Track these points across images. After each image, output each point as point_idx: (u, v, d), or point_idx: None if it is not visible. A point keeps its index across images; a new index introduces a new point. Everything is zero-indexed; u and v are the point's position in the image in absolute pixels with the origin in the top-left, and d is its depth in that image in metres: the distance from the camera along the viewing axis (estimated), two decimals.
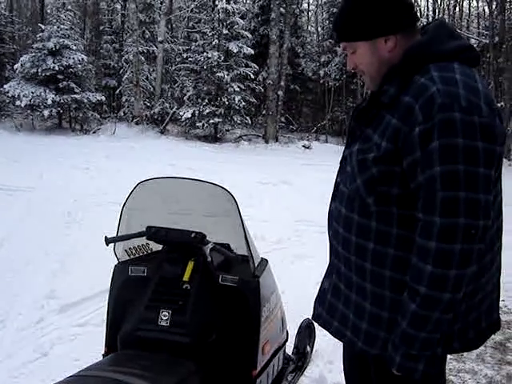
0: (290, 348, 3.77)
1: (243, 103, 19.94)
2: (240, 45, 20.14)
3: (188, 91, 20.65)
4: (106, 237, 2.88)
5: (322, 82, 23.90)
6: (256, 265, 2.92)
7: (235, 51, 19.95)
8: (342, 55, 21.79)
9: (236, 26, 20.49)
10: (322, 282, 2.14)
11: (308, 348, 3.84)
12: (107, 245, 2.90)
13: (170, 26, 25.89)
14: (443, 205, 1.63)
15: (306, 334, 3.88)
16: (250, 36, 21.17)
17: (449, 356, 3.91)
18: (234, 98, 19.64)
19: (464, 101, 1.64)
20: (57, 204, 8.33)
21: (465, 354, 4.09)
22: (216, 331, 2.72)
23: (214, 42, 20.04)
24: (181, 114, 19.95)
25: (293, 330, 3.69)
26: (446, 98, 1.64)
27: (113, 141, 17.72)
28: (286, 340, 3.42)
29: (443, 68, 1.71)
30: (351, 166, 1.87)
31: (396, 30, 1.82)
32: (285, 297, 3.48)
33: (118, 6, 26.99)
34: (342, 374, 2.32)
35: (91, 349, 3.29)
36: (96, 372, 2.31)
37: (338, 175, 2.02)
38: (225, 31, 19.98)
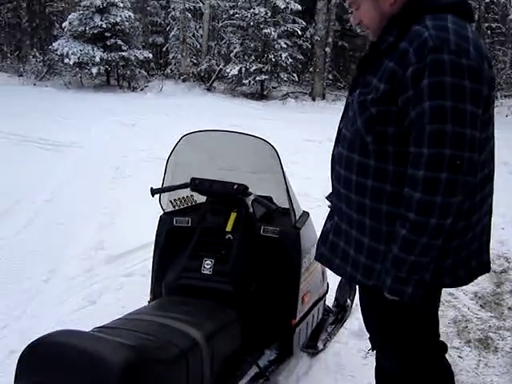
0: (330, 300, 3.83)
1: (290, 60, 19.73)
2: (287, 0, 19.83)
3: (235, 48, 20.51)
4: (151, 188, 2.96)
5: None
6: (297, 217, 2.97)
7: (282, 7, 19.64)
8: None
9: None
10: (325, 224, 2.25)
11: (348, 301, 3.89)
12: (153, 195, 2.98)
13: None
14: (430, 137, 1.75)
15: (346, 287, 3.92)
16: None
17: (489, 313, 3.96)
18: (280, 55, 19.44)
19: (453, 45, 1.76)
20: (104, 159, 8.49)
21: (505, 312, 4.09)
22: (257, 280, 2.79)
23: None
24: (227, 71, 19.88)
25: (333, 282, 3.72)
26: (436, 41, 1.76)
27: (160, 98, 17.82)
28: (326, 292, 3.48)
29: (437, 18, 1.83)
30: (353, 110, 1.99)
31: None
32: None
33: None
34: None
35: (137, 297, 3.38)
36: (143, 316, 2.40)
37: (340, 121, 2.14)
38: None
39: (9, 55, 26.82)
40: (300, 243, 2.85)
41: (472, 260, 2.03)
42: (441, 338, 3.53)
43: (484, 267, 2.14)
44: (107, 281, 4.34)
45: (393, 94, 1.84)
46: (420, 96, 1.77)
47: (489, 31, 24.86)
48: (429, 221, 1.77)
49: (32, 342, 1.90)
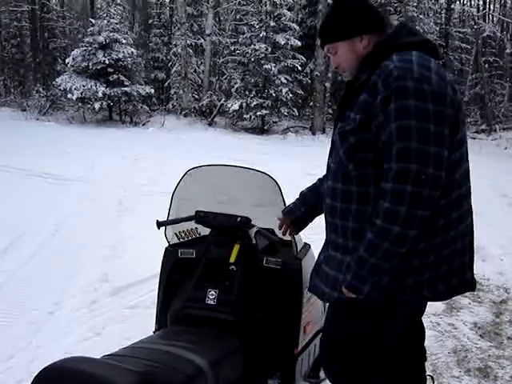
0: None
1: (290, 95, 19.98)
2: (287, 37, 20.14)
3: (236, 83, 20.78)
4: (157, 220, 3.04)
5: None
6: (299, 248, 3.05)
7: (282, 43, 19.96)
8: None
9: (283, 18, 20.46)
10: (319, 256, 2.40)
11: None
12: (158, 228, 3.06)
13: (217, 19, 26.12)
14: (398, 153, 1.93)
15: None
16: (297, 28, 21.12)
17: (488, 343, 4.01)
18: (281, 90, 19.70)
19: (416, 73, 1.97)
20: (108, 194, 8.59)
21: (505, 341, 4.15)
22: (260, 310, 2.86)
23: (261, 34, 20.10)
24: (228, 106, 20.12)
25: None
26: (400, 71, 1.97)
27: (161, 133, 18.00)
28: None
29: (403, 54, 2.06)
30: (336, 143, 2.20)
31: (367, 30, 2.21)
32: None
33: (167, 0, 27.28)
34: None
35: (142, 328, 3.41)
36: (148, 344, 2.47)
37: (328, 158, 2.32)
38: (272, 23, 19.99)
39: (12, 90, 27.18)
40: (302, 274, 2.92)
41: (453, 277, 2.16)
42: (440, 368, 3.61)
43: (467, 285, 2.26)
44: (112, 312, 4.41)
45: (367, 122, 2.04)
46: (388, 119, 1.96)
47: (486, 65, 25.16)
48: (392, 228, 1.94)
49: (43, 368, 1.97)
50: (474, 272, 2.28)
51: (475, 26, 24.04)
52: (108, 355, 2.27)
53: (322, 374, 3.42)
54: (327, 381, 3.40)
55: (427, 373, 2.73)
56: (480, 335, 4.24)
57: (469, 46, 25.78)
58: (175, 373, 2.15)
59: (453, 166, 2.04)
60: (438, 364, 3.75)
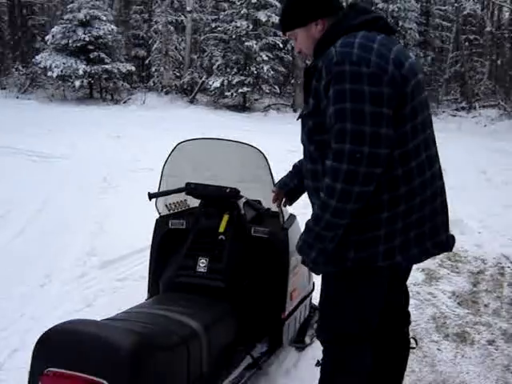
0: (316, 299, 4.02)
1: (272, 72, 20.04)
2: (269, 13, 20.12)
3: (217, 61, 20.78)
4: (149, 192, 3.15)
5: None
6: (285, 219, 3.17)
7: (264, 20, 19.96)
8: None
9: None
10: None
11: None
12: (150, 199, 3.16)
13: None
14: (335, 134, 2.07)
15: None
16: (278, 4, 21.08)
17: (466, 310, 4.18)
18: (262, 68, 19.74)
19: (355, 56, 2.07)
20: (92, 171, 8.64)
21: (481, 308, 4.32)
22: (248, 277, 2.99)
23: (242, 11, 20.08)
24: (210, 83, 20.15)
25: (319, 282, 3.91)
26: (339, 56, 2.08)
27: (143, 110, 18.01)
28: (312, 291, 3.68)
29: (349, 36, 2.16)
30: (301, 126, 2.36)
31: (321, 15, 2.30)
32: None
33: None
34: None
35: (132, 300, 3.51)
36: (144, 309, 2.60)
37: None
38: (253, 0, 19.97)
39: None
40: (288, 243, 3.05)
41: (426, 240, 2.27)
42: (420, 333, 3.78)
43: (442, 246, 2.37)
44: (101, 285, 4.49)
45: (318, 106, 2.18)
46: (328, 103, 2.09)
47: (467, 43, 25.34)
48: (330, 202, 2.09)
49: (48, 329, 2.08)
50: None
51: (456, 4, 24.12)
52: (107, 319, 2.38)
53: (307, 339, 3.58)
54: (313, 345, 3.56)
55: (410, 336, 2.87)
56: (458, 303, 4.41)
57: (449, 24, 25.86)
58: (171, 335, 2.27)
59: (404, 137, 2.15)
60: (418, 330, 3.90)
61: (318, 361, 2.61)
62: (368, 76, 2.04)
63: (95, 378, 1.92)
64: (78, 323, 2.17)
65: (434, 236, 2.30)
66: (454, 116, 20.71)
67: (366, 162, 2.01)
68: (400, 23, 21.22)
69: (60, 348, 2.04)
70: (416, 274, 4.95)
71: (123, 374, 1.93)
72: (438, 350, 3.66)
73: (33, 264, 4.82)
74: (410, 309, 4.08)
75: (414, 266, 5.11)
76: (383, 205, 2.16)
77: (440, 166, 2.36)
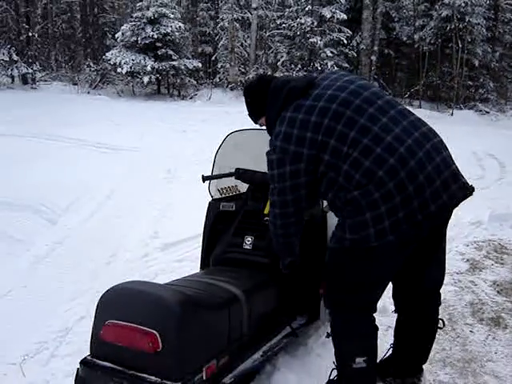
0: None
1: (336, 68, 20.18)
2: (333, 10, 20.27)
3: (282, 57, 21.09)
4: (202, 175, 3.50)
5: (416, 46, 23.43)
6: (325, 204, 3.45)
7: (328, 16, 20.11)
8: (437, 19, 21.54)
9: None
10: None
11: None
12: (203, 181, 3.52)
13: None
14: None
15: None
16: (343, 1, 21.17)
17: (504, 298, 4.36)
18: (326, 64, 19.94)
19: (279, 143, 2.60)
20: (157, 162, 9.12)
21: None
22: None
23: (307, 8, 20.30)
24: None
25: None
26: (269, 148, 2.67)
27: (208, 106, 18.50)
28: None
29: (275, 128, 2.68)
30: None
31: (261, 115, 2.85)
32: None
33: None
34: None
35: None
36: (195, 278, 2.95)
37: None
38: None
39: (63, 65, 27.98)
40: (327, 224, 3.34)
41: (417, 214, 2.42)
42: (456, 316, 3.99)
43: (432, 218, 2.47)
44: (162, 265, 4.89)
45: None
46: None
47: None
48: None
49: (109, 288, 2.45)
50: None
51: None
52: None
53: None
54: None
55: (440, 317, 3.09)
56: (497, 291, 4.57)
57: None
58: (215, 298, 2.61)
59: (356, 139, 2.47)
60: (455, 313, 4.11)
61: (328, 333, 2.88)
62: (292, 154, 2.55)
63: (147, 329, 2.27)
64: (135, 283, 2.54)
65: (424, 209, 2.43)
66: None
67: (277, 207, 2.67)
68: (467, 18, 20.98)
69: (118, 303, 2.41)
70: (460, 264, 5.14)
71: (171, 326, 2.28)
72: (471, 331, 3.86)
73: (101, 244, 5.27)
74: (448, 295, 4.36)
75: (459, 257, 5.32)
76: (357, 198, 2.43)
77: (427, 128, 2.61)
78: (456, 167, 2.60)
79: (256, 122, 2.95)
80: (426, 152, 2.48)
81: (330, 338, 2.80)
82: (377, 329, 2.76)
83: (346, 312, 2.70)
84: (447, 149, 2.63)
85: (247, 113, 2.95)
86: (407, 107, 2.72)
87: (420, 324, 2.99)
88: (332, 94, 2.56)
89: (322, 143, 2.49)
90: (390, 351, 3.17)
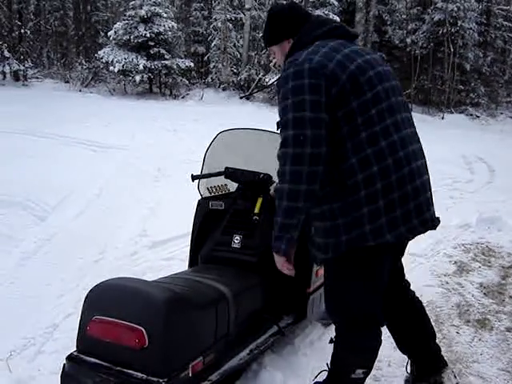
0: None
1: None
2: (326, 12, 20.29)
3: (274, 58, 21.03)
4: (192, 174, 3.51)
5: (408, 50, 23.55)
6: None
7: None
8: (430, 23, 21.64)
9: None
10: None
11: None
12: (193, 180, 3.53)
13: None
14: (282, 124, 2.33)
15: None
16: (336, 3, 21.27)
17: (490, 300, 4.38)
18: None
19: (301, 60, 2.38)
20: (147, 161, 9.08)
21: (506, 299, 4.51)
22: None
23: None
24: (266, 80, 20.46)
25: None
26: (284, 74, 2.42)
27: (200, 106, 18.46)
28: None
29: (304, 50, 2.46)
30: None
31: (288, 36, 2.65)
32: None
33: None
34: None
35: None
36: (183, 275, 2.96)
37: None
38: None
39: (55, 62, 27.89)
40: None
41: (412, 218, 2.39)
42: (442, 318, 4.01)
43: (427, 224, 2.47)
44: (150, 263, 4.90)
45: None
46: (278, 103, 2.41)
47: None
48: (283, 186, 2.27)
49: (95, 285, 2.46)
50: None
51: None
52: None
53: None
54: None
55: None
56: (484, 293, 4.61)
57: None
58: (202, 295, 2.62)
59: (370, 121, 2.34)
60: (441, 315, 4.14)
61: (332, 338, 2.84)
62: (309, 71, 2.32)
63: (134, 325, 2.28)
64: (123, 279, 2.55)
65: (420, 214, 2.41)
66: None
67: (311, 142, 2.23)
68: (459, 23, 21.10)
69: (105, 299, 2.42)
70: (448, 266, 5.19)
71: (158, 323, 2.28)
72: (457, 333, 3.89)
73: (89, 242, 5.27)
74: (435, 297, 4.40)
75: (447, 259, 5.36)
76: (359, 184, 2.32)
77: (421, 146, 2.56)
78: (431, 194, 2.57)
79: (267, 47, 2.84)
80: (416, 167, 2.46)
81: (333, 344, 2.73)
82: (381, 342, 2.69)
83: (353, 326, 2.61)
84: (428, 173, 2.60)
85: (261, 35, 2.89)
86: None
87: (407, 311, 2.94)
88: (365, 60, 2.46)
89: (356, 87, 2.36)
90: (409, 364, 3.08)
